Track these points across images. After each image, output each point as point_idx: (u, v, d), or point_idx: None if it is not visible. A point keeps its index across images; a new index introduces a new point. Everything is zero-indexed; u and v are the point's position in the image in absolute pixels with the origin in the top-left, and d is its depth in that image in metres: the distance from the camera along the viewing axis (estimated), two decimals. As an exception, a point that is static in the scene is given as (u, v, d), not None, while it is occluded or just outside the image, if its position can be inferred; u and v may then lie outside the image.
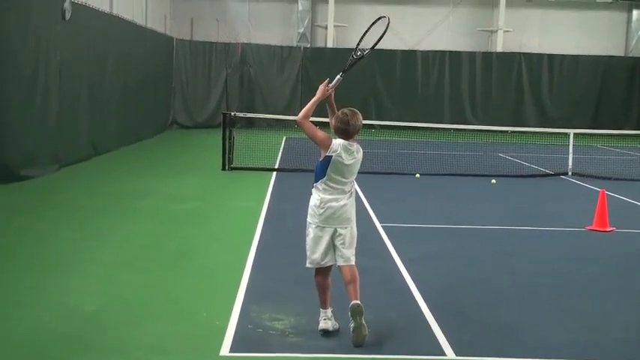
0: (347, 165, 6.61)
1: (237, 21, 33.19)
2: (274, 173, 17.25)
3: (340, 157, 6.55)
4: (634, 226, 12.43)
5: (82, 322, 6.76)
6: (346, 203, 6.65)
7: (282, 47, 33.03)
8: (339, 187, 6.62)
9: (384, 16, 7.03)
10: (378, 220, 12.01)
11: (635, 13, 34.34)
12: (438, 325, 6.92)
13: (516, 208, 14.15)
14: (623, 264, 9.87)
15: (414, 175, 17.71)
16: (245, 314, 7.05)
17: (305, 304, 7.18)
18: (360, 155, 6.71)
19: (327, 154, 6.56)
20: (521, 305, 7.79)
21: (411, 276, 8.65)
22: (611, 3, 33.79)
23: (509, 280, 8.79)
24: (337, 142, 6.59)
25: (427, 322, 7.01)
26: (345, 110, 6.68)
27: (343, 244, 6.61)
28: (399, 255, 9.71)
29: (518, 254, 10.20)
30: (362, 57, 7.02)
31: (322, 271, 6.69)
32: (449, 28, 34.32)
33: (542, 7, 34.32)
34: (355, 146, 6.68)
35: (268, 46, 32.72)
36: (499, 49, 34.00)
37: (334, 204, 6.58)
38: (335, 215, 6.60)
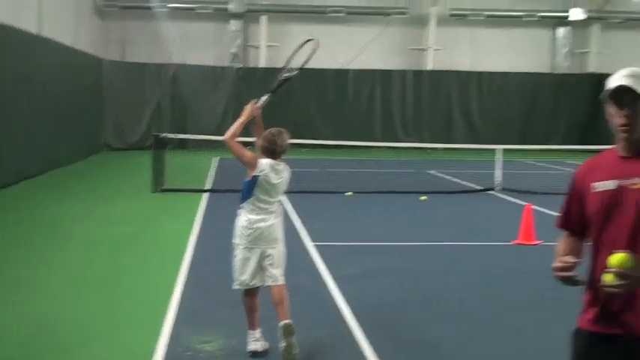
0: (274, 184, 6.65)
1: (169, 42, 33.01)
2: (206, 194, 17.20)
3: (267, 176, 6.60)
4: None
5: (7, 352, 6.64)
6: (274, 223, 6.69)
7: (214, 67, 32.96)
8: (266, 206, 6.66)
9: (313, 39, 7.15)
10: (310, 239, 12.05)
11: (559, 30, 35.21)
12: (368, 343, 6.97)
13: (446, 224, 14.34)
14: (548, 276, 10.05)
15: (347, 193, 17.80)
16: (175, 337, 7.02)
17: (235, 326, 7.17)
18: (287, 175, 6.76)
19: (254, 173, 6.60)
20: (450, 321, 7.90)
21: (342, 294, 8.70)
22: (537, 21, 34.57)
23: (439, 296, 8.91)
24: (264, 162, 6.63)
25: (357, 341, 7.06)
26: (272, 130, 6.74)
27: (272, 264, 6.64)
28: (330, 273, 9.75)
29: (448, 270, 10.33)
30: (289, 78, 7.11)
31: (251, 292, 6.71)
32: (380, 47, 34.66)
33: (471, 25, 34.93)
34: (282, 166, 6.73)
35: (201, 67, 32.62)
36: (430, 67, 34.48)
37: (262, 224, 6.61)
38: (263, 236, 6.63)
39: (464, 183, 20.60)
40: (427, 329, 7.53)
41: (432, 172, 23.69)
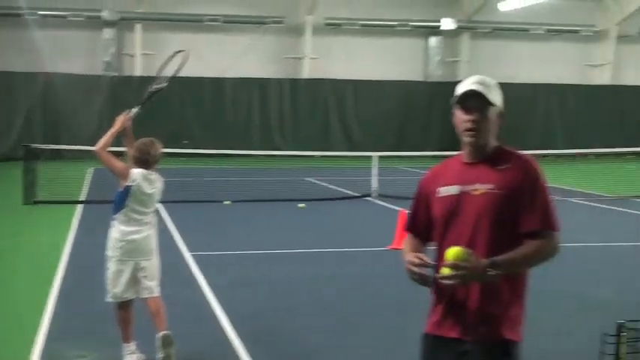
0: (148, 194, 6.59)
1: (41, 50, 32.08)
2: (80, 206, 16.81)
3: (140, 186, 6.53)
4: (433, 243, 13.00)
5: None
6: (148, 234, 6.62)
7: (88, 76, 32.21)
8: (140, 217, 6.58)
9: (183, 50, 7.16)
10: (188, 249, 11.94)
11: (431, 40, 36.14)
12: (247, 351, 6.98)
13: (324, 231, 14.50)
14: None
15: (225, 202, 17.72)
16: (47, 352, 6.85)
17: (110, 339, 7.02)
18: (160, 184, 6.72)
19: (126, 184, 6.52)
20: (329, 327, 7.98)
21: (219, 303, 8.67)
22: (410, 30, 35.38)
23: (317, 303, 9.01)
24: (136, 172, 6.56)
25: (235, 350, 7.05)
26: (144, 140, 6.68)
27: (146, 276, 6.56)
28: (208, 283, 9.70)
29: (327, 276, 10.45)
30: (160, 90, 7.10)
31: (124, 305, 6.61)
32: (257, 55, 34.70)
33: (346, 34, 35.41)
34: (155, 175, 6.68)
35: (74, 75, 31.80)
36: (306, 75, 34.76)
37: (136, 236, 6.53)
38: (138, 248, 6.55)
39: (341, 190, 20.85)
40: (306, 336, 7.60)
41: (310, 179, 23.87)
